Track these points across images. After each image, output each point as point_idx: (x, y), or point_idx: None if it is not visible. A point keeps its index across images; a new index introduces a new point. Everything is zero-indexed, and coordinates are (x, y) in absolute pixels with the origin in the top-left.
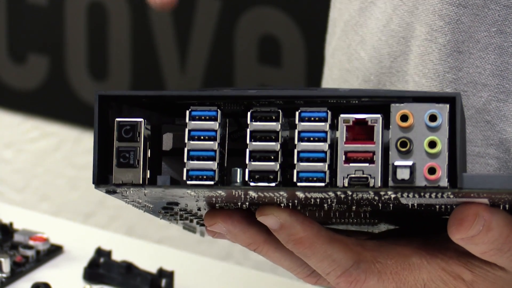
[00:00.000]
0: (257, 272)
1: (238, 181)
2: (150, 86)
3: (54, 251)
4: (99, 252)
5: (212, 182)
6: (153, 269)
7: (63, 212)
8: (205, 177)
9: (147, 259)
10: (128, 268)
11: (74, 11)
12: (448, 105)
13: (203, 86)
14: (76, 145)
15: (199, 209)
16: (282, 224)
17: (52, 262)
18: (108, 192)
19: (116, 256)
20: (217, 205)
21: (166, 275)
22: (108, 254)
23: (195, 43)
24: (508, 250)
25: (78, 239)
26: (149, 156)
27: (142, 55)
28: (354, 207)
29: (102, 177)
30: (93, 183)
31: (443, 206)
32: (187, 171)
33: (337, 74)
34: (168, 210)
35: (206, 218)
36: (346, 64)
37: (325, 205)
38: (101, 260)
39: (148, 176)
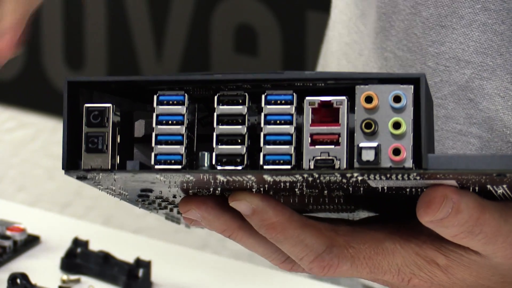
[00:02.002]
0: (234, 261)
1: (206, 165)
2: (126, 75)
3: (31, 241)
4: (76, 242)
5: (179, 166)
6: (130, 259)
7: (40, 202)
8: (173, 161)
9: (124, 249)
10: (105, 258)
11: (50, 0)
12: (412, 86)
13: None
14: (53, 135)
15: (174, 196)
16: (254, 209)
17: (29, 253)
18: (78, 178)
19: (93, 246)
20: (190, 191)
21: (143, 265)
22: (85, 244)
23: (171, 32)
24: (479, 232)
25: (55, 229)
26: (118, 141)
27: (118, 45)
28: (325, 192)
29: (72, 163)
30: (62, 168)
31: (413, 189)
32: (155, 155)
33: (336, 47)
34: (144, 198)
35: (181, 204)
36: (345, 37)
37: (296, 189)
38: (78, 250)
39: (118, 162)
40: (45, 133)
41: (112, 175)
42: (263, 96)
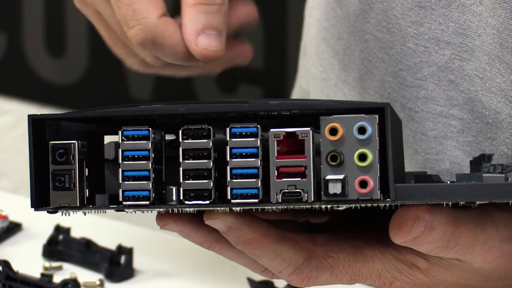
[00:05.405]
0: None
1: (174, 199)
2: (108, 62)
3: (13, 228)
4: (58, 229)
5: (147, 202)
6: (112, 245)
7: (22, 189)
8: (141, 197)
9: (106, 236)
10: (87, 245)
11: None
12: (377, 116)
13: None
14: None
15: None
16: (229, 227)
17: (11, 240)
18: (49, 212)
19: (75, 233)
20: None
21: (125, 252)
22: (67, 231)
23: None
24: (455, 246)
25: (37, 216)
26: (86, 175)
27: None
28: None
29: (42, 199)
30: (31, 207)
31: (387, 206)
32: (123, 191)
33: (315, 33)
34: None
35: (158, 219)
36: (323, 22)
37: (269, 209)
38: (60, 237)
39: (87, 195)
40: (26, 120)
41: (81, 211)
42: (227, 129)
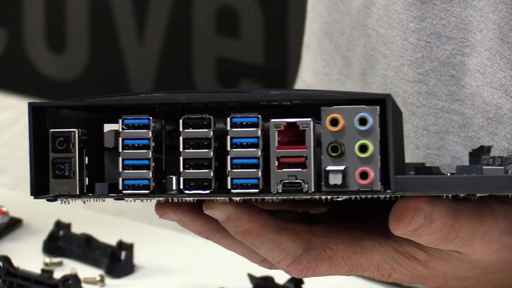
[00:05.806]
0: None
1: (174, 188)
2: (108, 58)
3: (14, 224)
4: (59, 225)
5: (147, 191)
6: (112, 241)
7: (22, 185)
8: (140, 185)
9: (107, 231)
10: (88, 240)
11: None
12: (378, 107)
13: (161, 57)
14: None
15: None
16: (228, 216)
17: (11, 236)
18: (49, 200)
19: (76, 229)
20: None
21: (125, 247)
22: (67, 227)
23: (153, 14)
24: (454, 238)
25: (37, 212)
26: (86, 163)
27: (100, 27)
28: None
29: (41, 187)
30: (31, 194)
31: (387, 197)
32: (122, 180)
33: (317, 28)
34: None
35: (157, 208)
36: (326, 17)
37: (268, 200)
38: (61, 233)
39: (87, 183)
40: (27, 116)
41: (81, 199)
42: (228, 119)
